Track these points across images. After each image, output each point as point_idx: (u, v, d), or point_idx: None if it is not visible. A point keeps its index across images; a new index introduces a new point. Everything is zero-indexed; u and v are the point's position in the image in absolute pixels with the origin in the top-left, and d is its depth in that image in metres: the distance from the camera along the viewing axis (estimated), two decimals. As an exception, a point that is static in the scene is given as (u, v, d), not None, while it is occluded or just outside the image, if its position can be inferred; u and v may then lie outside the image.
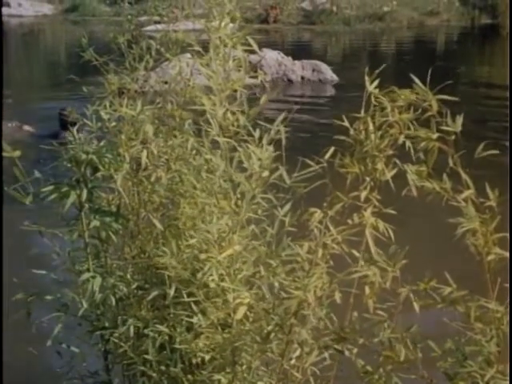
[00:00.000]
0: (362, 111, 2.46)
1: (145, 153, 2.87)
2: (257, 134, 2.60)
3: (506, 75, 14.08)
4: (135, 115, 2.96)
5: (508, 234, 2.36)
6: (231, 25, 2.75)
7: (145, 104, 3.05)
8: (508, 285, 2.31)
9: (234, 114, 2.67)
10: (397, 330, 2.48)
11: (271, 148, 2.56)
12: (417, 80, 2.35)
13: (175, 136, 3.02)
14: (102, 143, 2.95)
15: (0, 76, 8.15)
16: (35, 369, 3.87)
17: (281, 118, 2.60)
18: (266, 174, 2.54)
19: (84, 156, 2.82)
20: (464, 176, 2.32)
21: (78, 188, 2.82)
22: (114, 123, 3.07)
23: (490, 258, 2.32)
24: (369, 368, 2.58)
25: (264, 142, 2.57)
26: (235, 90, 2.72)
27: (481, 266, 2.33)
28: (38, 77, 16.72)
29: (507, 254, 2.31)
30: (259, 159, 2.52)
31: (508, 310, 2.30)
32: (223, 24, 2.72)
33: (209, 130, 2.67)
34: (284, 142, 2.60)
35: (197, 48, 2.78)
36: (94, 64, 3.27)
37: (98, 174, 2.91)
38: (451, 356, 2.43)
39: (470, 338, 2.36)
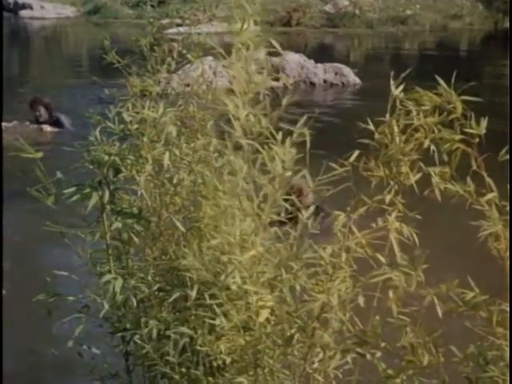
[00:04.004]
0: (388, 115, 2.44)
1: (167, 155, 2.88)
2: (279, 136, 2.57)
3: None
4: (157, 117, 2.97)
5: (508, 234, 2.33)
6: (254, 27, 2.74)
7: (167, 106, 3.05)
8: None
9: (256, 116, 2.64)
10: (420, 334, 2.47)
11: (293, 150, 2.54)
12: (441, 81, 2.33)
13: (197, 138, 3.03)
14: (124, 145, 2.96)
15: (0, 76, 8.15)
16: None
17: (303, 120, 2.58)
18: (288, 174, 2.52)
19: (106, 157, 2.82)
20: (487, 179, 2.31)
21: (100, 189, 2.83)
22: (136, 125, 3.07)
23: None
24: (390, 372, 2.56)
25: (287, 143, 2.54)
26: (258, 93, 2.70)
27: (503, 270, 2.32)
28: (58, 78, 16.72)
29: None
30: (282, 161, 2.50)
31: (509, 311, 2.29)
32: (246, 26, 2.71)
33: (231, 131, 2.65)
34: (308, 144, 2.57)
35: (219, 50, 2.77)
36: (116, 66, 3.28)
37: (120, 176, 2.92)
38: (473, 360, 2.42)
39: (492, 342, 2.34)
